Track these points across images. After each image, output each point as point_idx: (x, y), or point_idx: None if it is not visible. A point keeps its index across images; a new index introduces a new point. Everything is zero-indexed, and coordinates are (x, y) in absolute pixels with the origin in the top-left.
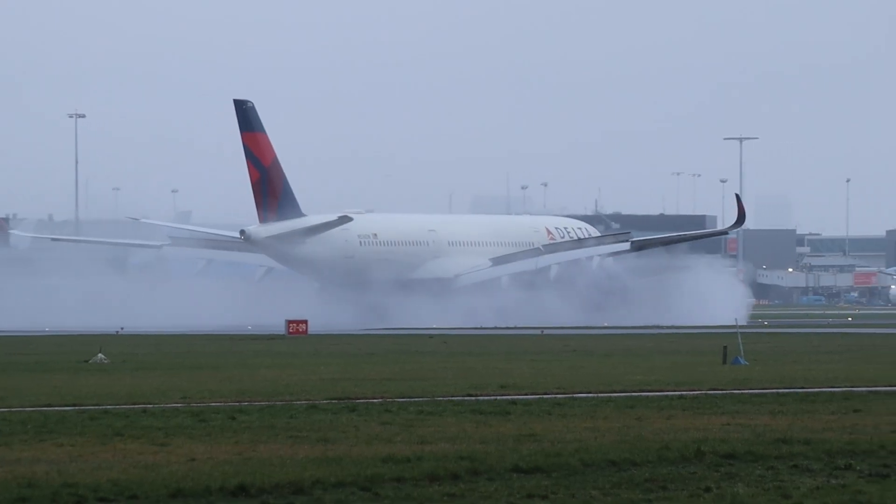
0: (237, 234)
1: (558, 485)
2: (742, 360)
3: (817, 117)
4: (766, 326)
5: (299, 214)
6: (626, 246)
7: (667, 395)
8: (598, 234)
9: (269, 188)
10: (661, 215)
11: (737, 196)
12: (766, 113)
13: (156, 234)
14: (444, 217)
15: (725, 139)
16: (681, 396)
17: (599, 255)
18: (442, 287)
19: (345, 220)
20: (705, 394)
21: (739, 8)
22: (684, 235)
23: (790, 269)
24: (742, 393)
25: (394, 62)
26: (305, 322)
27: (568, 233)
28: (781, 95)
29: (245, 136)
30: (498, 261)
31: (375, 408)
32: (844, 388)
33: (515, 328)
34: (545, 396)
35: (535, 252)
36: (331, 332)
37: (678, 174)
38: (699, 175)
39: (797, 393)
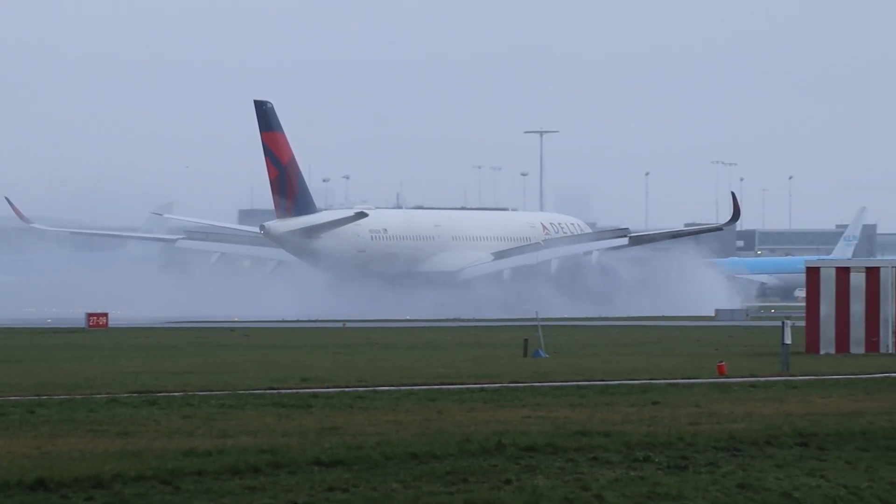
0: (248, 229)
1: (359, 478)
2: (543, 353)
3: (617, 110)
4: (565, 319)
5: (314, 210)
6: (625, 241)
7: (468, 388)
8: (591, 230)
9: (287, 185)
10: (463, 208)
11: (732, 194)
12: (568, 106)
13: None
14: (448, 213)
15: (526, 132)
16: (482, 389)
17: (598, 250)
18: (446, 280)
19: (361, 215)
20: (506, 387)
21: None
22: (680, 231)
23: None
24: (542, 386)
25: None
26: (106, 315)
27: (561, 228)
28: (583, 88)
29: (264, 135)
30: (499, 255)
31: (176, 401)
32: (643, 381)
33: (318, 321)
34: (347, 390)
35: (536, 246)
36: (134, 325)
37: (479, 167)
38: (500, 168)
39: (597, 385)
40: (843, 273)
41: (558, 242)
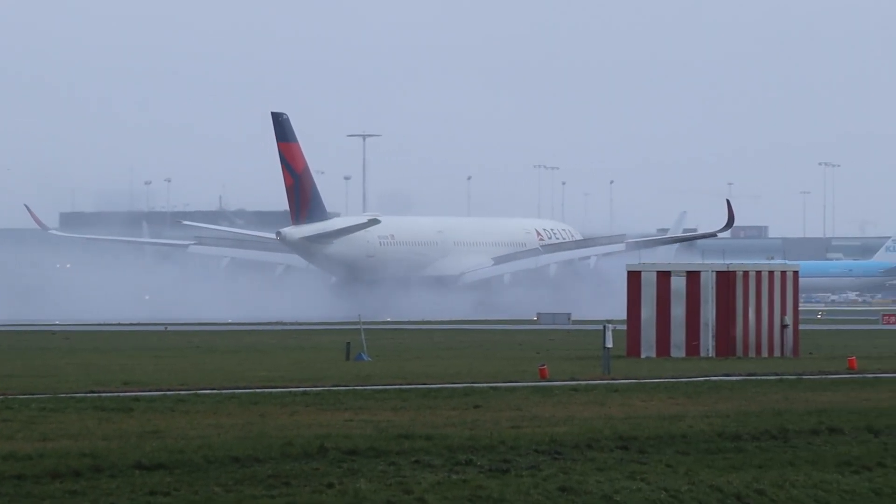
0: (262, 235)
1: (181, 481)
2: (365, 356)
3: (441, 114)
4: (389, 323)
5: (326, 217)
6: (622, 247)
7: (290, 392)
8: (581, 236)
9: (301, 193)
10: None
11: (727, 201)
12: (391, 110)
13: (199, 235)
14: (449, 219)
15: (349, 136)
16: (304, 393)
17: (596, 255)
18: (448, 283)
19: (374, 222)
20: (328, 390)
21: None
22: (676, 237)
23: None
24: (365, 389)
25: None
26: None
27: (554, 234)
28: (406, 92)
29: (281, 145)
30: (499, 260)
31: None
32: (465, 384)
33: (138, 325)
34: (168, 393)
35: (535, 252)
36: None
37: None
38: (323, 172)
39: (419, 389)
40: (663, 277)
41: (557, 248)
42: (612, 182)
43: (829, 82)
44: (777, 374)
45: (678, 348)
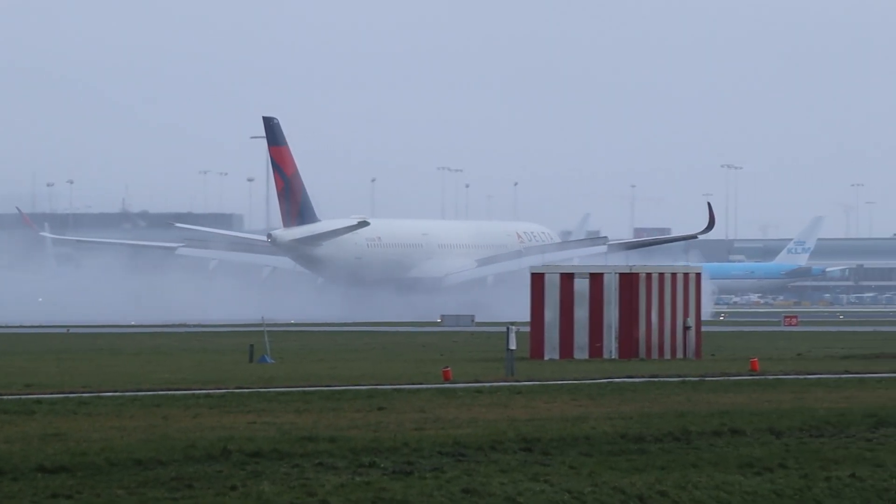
0: (252, 237)
1: (83, 484)
2: (269, 359)
3: (345, 115)
4: (292, 324)
5: (315, 219)
6: (604, 248)
7: (193, 394)
8: (560, 238)
9: (292, 196)
10: (189, 213)
11: (708, 204)
12: (296, 111)
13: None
14: (434, 222)
15: (252, 138)
16: (208, 395)
17: (578, 257)
18: (433, 285)
19: (363, 224)
20: (232, 392)
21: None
22: (656, 239)
23: None
24: (268, 391)
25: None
26: None
27: (534, 237)
28: (311, 93)
29: (272, 149)
30: (483, 262)
31: None
32: (369, 386)
33: (40, 326)
34: (71, 395)
35: (517, 254)
36: None
37: (206, 172)
38: (226, 174)
39: (323, 391)
40: (567, 279)
41: (540, 250)
42: (516, 184)
43: (732, 85)
44: (680, 376)
45: (581, 350)
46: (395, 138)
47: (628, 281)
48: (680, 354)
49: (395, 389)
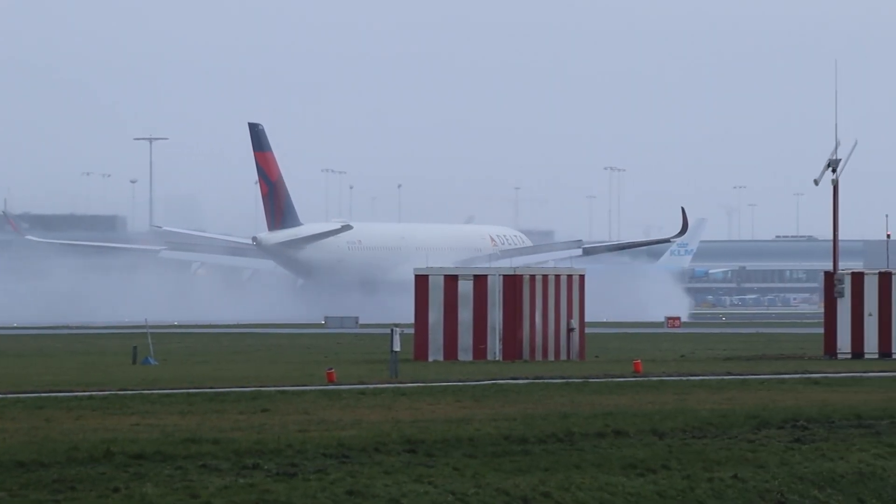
0: (237, 240)
1: None
2: (152, 360)
3: (227, 117)
4: (176, 326)
5: (298, 223)
6: (579, 252)
7: (76, 396)
8: (531, 242)
9: (276, 200)
10: (72, 215)
11: (682, 209)
12: (178, 113)
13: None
14: (412, 225)
15: (136, 139)
16: (90, 397)
17: (553, 260)
18: (409, 287)
19: (346, 228)
20: (115, 394)
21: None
22: (631, 243)
23: None
24: (152, 393)
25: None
26: None
27: (506, 240)
28: (193, 95)
29: (257, 155)
30: (459, 264)
31: None
32: (253, 388)
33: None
34: None
35: (493, 257)
36: None
37: (88, 174)
38: (110, 175)
39: (206, 393)
40: (451, 280)
41: (516, 253)
42: (399, 186)
43: (615, 86)
44: (563, 378)
45: (465, 352)
46: (279, 141)
47: (512, 282)
48: (564, 356)
49: (280, 391)
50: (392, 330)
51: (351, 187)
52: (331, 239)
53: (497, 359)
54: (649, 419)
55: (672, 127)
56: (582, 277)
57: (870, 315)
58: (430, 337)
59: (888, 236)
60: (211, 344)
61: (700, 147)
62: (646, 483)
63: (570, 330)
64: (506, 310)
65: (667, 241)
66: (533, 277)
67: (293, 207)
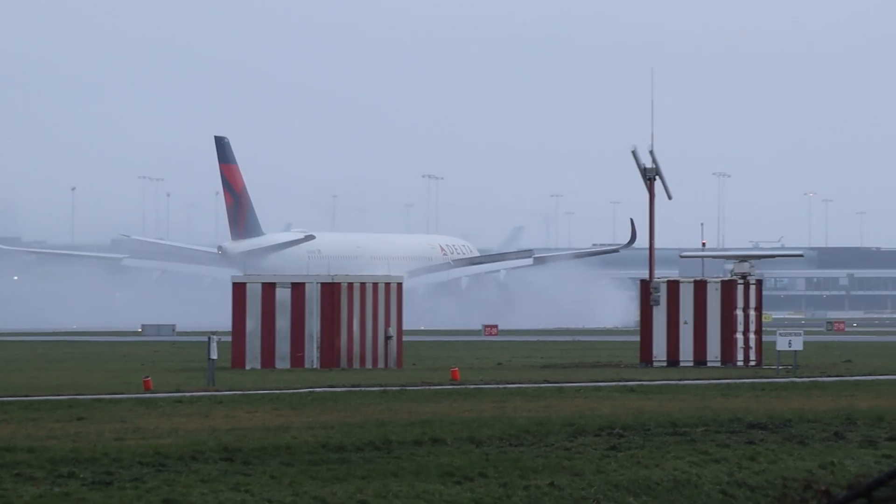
0: (199, 248)
1: None
2: None
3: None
4: (17, 333)
5: (261, 233)
6: (529, 261)
7: None
8: (478, 252)
9: (240, 211)
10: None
11: (630, 220)
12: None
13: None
14: (367, 235)
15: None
16: None
17: (504, 269)
18: None
19: (309, 238)
20: None
21: None
22: (581, 251)
23: None
24: None
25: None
26: None
27: (455, 249)
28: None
29: (223, 167)
30: (413, 273)
31: None
32: (69, 396)
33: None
34: None
35: (447, 266)
36: None
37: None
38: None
39: (21, 401)
40: (269, 288)
41: (469, 262)
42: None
43: (432, 94)
44: (381, 386)
45: (283, 360)
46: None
47: (330, 291)
48: (381, 364)
49: (95, 399)
50: (209, 338)
51: (168, 195)
52: (293, 248)
53: (315, 367)
54: (466, 427)
55: (489, 135)
56: (399, 285)
57: (685, 323)
58: (248, 345)
59: (703, 245)
60: (26, 351)
61: (517, 155)
62: (463, 491)
63: (387, 338)
64: (323, 318)
65: (616, 250)
66: (351, 286)
67: (256, 217)
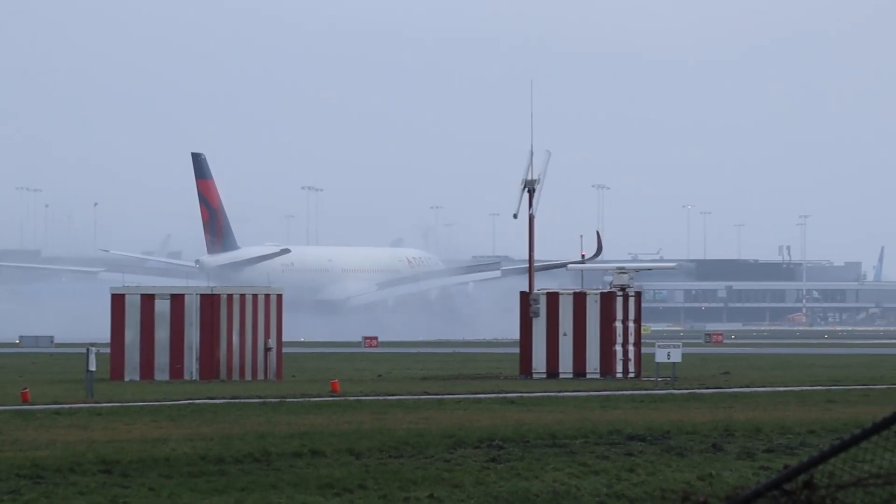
0: (180, 262)
1: None
2: None
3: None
4: None
5: (236, 247)
6: (498, 273)
7: None
8: (443, 264)
9: (216, 225)
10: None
11: (597, 233)
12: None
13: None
14: (338, 249)
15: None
16: None
17: (473, 281)
18: (337, 307)
19: (285, 251)
20: None
21: None
22: (550, 264)
23: None
24: None
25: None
26: None
27: (421, 262)
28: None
29: (199, 182)
30: (383, 285)
31: None
32: None
33: None
34: None
35: (415, 278)
36: None
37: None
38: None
39: None
40: (148, 300)
41: (438, 274)
42: (96, 204)
43: (312, 105)
44: (260, 397)
45: (162, 371)
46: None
47: (209, 302)
48: (261, 376)
49: None
50: (88, 349)
51: (46, 206)
52: (267, 262)
53: (194, 378)
54: (346, 439)
55: (368, 147)
56: (279, 297)
57: (565, 335)
58: (127, 356)
59: (583, 257)
60: None
61: (396, 168)
62: (342, 503)
63: (267, 349)
64: (203, 329)
65: (583, 262)
66: (231, 297)
67: (232, 232)
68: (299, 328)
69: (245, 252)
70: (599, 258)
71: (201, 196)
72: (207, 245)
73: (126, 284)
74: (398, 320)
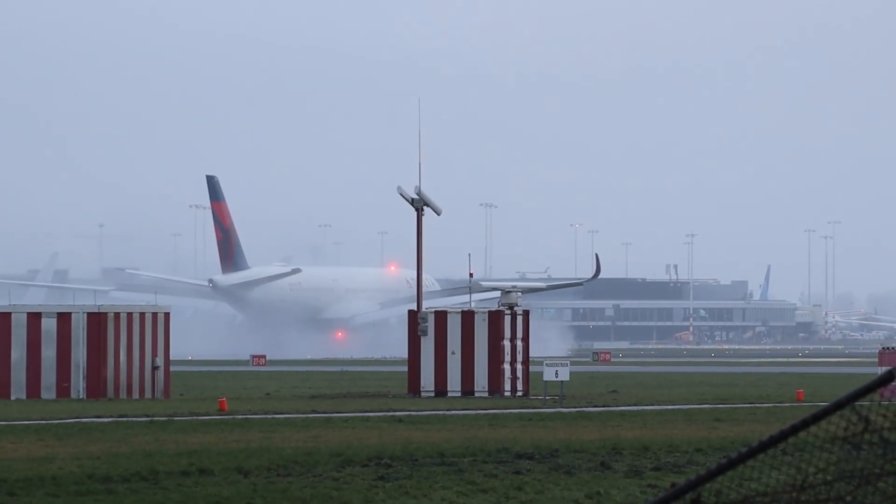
0: (189, 281)
1: None
2: None
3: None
4: None
5: (247, 266)
6: (497, 294)
7: None
8: (439, 285)
9: (229, 246)
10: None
11: (595, 255)
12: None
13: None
14: (343, 269)
15: None
16: None
17: (474, 301)
18: (341, 325)
19: (296, 271)
20: None
21: None
22: (552, 285)
23: None
24: None
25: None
26: None
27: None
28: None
29: (213, 204)
30: (385, 304)
31: None
32: None
33: None
34: None
35: (413, 298)
36: None
37: None
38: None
39: None
40: (34, 318)
41: (438, 294)
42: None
43: (194, 123)
44: (148, 416)
45: (49, 390)
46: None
47: (97, 320)
48: (149, 394)
49: None
50: None
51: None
52: (276, 281)
53: (81, 397)
54: (234, 457)
55: (253, 164)
56: (167, 315)
57: (453, 353)
58: (13, 375)
59: (471, 275)
60: None
61: (285, 185)
62: None
63: (154, 368)
64: (90, 348)
65: (580, 283)
66: (118, 315)
67: (243, 252)
68: (296, 347)
69: (256, 272)
70: (488, 280)
71: (215, 217)
72: (221, 265)
73: (13, 304)
74: (397, 338)
